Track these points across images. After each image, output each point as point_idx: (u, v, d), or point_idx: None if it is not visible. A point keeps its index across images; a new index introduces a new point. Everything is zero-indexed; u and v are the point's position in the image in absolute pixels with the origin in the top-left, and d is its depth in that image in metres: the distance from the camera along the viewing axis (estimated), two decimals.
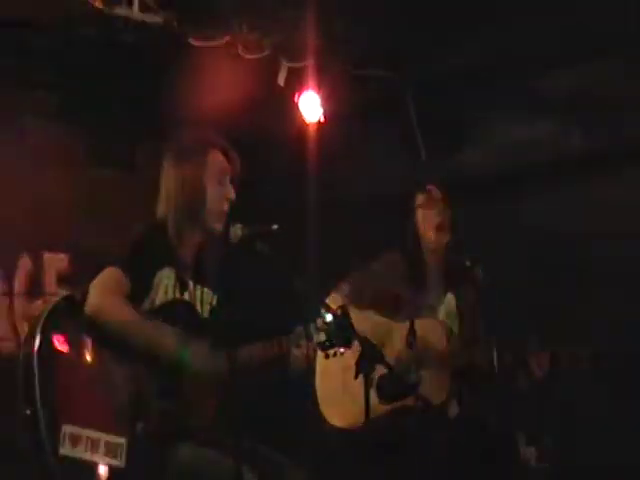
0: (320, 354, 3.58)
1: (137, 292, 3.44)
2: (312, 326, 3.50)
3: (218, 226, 3.61)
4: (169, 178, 3.62)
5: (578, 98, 5.02)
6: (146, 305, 3.49)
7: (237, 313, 3.46)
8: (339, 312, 3.42)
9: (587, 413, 4.77)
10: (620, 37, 4.68)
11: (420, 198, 4.38)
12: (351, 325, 3.42)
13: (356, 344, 3.28)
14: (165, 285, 3.52)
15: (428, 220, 4.34)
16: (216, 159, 3.64)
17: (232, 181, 3.67)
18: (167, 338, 3.41)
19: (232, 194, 3.65)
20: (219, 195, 3.62)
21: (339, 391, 4.13)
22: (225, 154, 3.66)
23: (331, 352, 3.53)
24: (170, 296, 3.52)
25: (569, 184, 5.11)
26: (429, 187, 4.37)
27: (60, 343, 3.32)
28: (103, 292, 3.38)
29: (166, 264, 3.52)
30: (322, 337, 3.50)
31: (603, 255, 4.87)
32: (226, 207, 3.63)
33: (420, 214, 4.38)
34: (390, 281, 4.39)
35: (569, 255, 4.95)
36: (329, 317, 3.44)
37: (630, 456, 4.64)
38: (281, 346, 3.52)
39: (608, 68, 4.87)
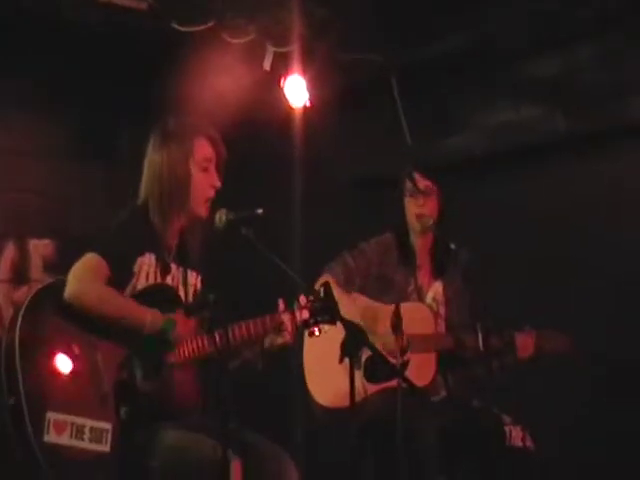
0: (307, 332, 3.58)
1: (118, 278, 3.43)
2: (296, 304, 3.50)
3: (203, 212, 3.60)
4: (153, 163, 3.60)
5: (562, 82, 5.01)
6: (127, 291, 3.48)
7: (222, 294, 3.43)
8: (322, 290, 3.42)
9: (570, 396, 4.78)
10: (601, 21, 4.68)
11: (408, 185, 4.38)
12: (334, 303, 3.42)
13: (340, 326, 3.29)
14: (146, 271, 3.51)
15: (412, 208, 4.36)
16: (201, 146, 3.61)
17: (218, 169, 3.66)
18: (148, 311, 3.40)
19: (217, 182, 3.63)
20: (204, 182, 3.60)
21: (327, 370, 4.12)
22: (211, 141, 3.64)
23: (315, 330, 3.53)
24: (151, 281, 3.52)
25: (554, 167, 5.11)
26: (416, 175, 4.36)
27: (43, 330, 3.32)
28: (82, 279, 3.37)
29: (147, 249, 3.52)
30: (305, 315, 3.51)
31: (591, 238, 4.87)
32: (211, 194, 3.62)
33: (406, 201, 4.39)
34: (381, 263, 4.40)
35: (556, 238, 4.95)
36: (312, 295, 3.45)
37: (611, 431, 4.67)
38: (265, 326, 3.52)
39: (590, 52, 4.86)
